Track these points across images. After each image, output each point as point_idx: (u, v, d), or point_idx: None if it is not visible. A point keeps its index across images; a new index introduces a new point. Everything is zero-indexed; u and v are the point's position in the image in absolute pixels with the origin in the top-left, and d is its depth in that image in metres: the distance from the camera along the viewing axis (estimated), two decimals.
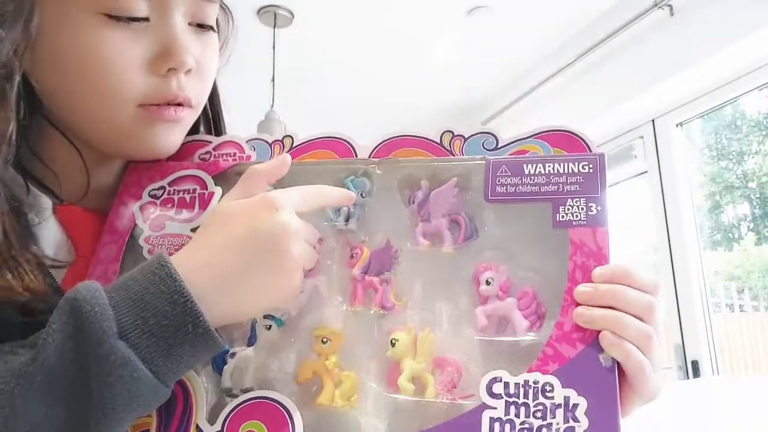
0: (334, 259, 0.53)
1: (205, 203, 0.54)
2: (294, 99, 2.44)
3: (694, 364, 2.17)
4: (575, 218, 0.47)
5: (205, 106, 0.63)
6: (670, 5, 2.13)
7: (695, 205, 2.30)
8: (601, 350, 0.43)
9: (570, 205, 0.48)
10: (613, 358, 0.43)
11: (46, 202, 0.53)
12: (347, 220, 0.53)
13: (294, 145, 0.58)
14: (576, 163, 0.50)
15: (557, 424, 0.41)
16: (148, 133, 0.54)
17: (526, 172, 0.50)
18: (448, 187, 0.52)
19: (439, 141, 0.55)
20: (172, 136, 0.56)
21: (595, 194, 0.48)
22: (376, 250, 0.52)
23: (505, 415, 0.42)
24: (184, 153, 0.59)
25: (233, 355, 0.49)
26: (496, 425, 0.42)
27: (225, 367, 0.48)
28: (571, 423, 0.41)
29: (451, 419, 0.43)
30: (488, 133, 0.54)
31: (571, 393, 0.42)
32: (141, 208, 0.55)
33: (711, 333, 2.19)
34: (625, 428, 0.42)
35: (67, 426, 0.39)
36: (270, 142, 0.59)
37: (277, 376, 0.49)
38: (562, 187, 0.49)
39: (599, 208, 0.47)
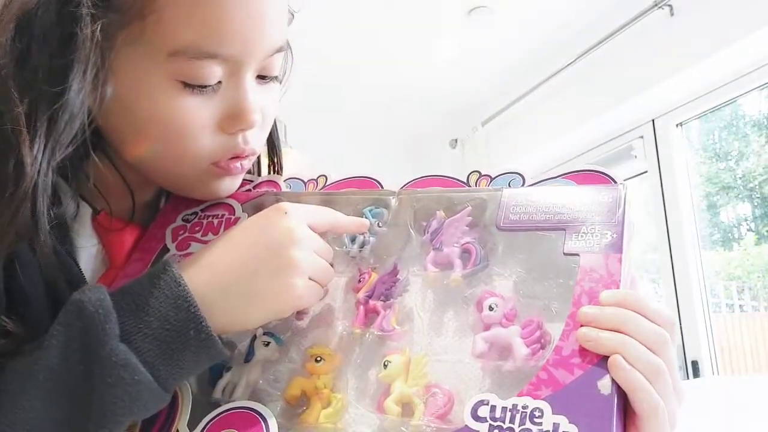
0: (342, 283, 0.54)
1: (230, 227, 0.55)
2: (294, 99, 2.44)
3: (694, 364, 2.17)
4: (588, 245, 0.46)
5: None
6: (670, 5, 2.13)
7: (695, 205, 2.30)
8: (601, 376, 0.39)
9: (584, 233, 0.46)
10: (613, 385, 0.39)
11: (86, 210, 0.55)
12: (361, 247, 0.54)
13: (327, 183, 0.60)
14: (595, 193, 0.49)
15: None
16: (215, 184, 0.56)
17: (542, 201, 0.50)
18: (462, 217, 0.52)
19: (465, 181, 0.55)
20: (234, 184, 0.58)
21: (611, 222, 0.46)
22: (383, 274, 0.52)
23: None
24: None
25: (229, 369, 0.49)
26: None
27: (219, 380, 0.49)
28: None
29: None
30: (515, 173, 0.54)
31: (562, 420, 0.38)
32: (172, 230, 0.58)
33: (711, 333, 2.19)
34: None
35: (66, 426, 0.40)
36: (305, 180, 0.62)
37: (267, 391, 0.49)
38: (578, 215, 0.48)
39: (615, 236, 0.45)
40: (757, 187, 2.42)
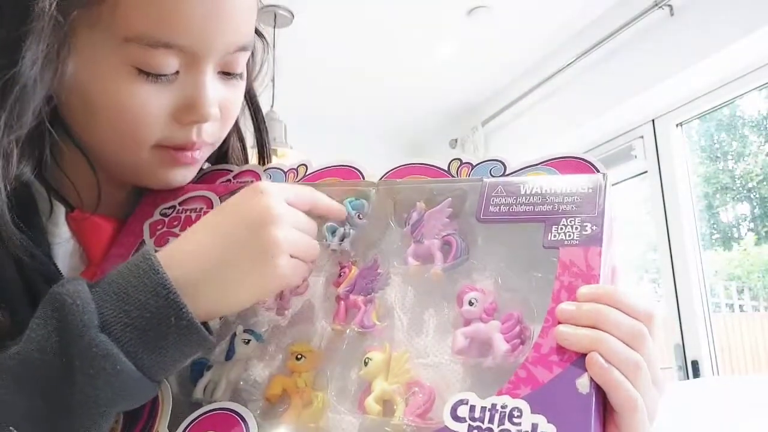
0: (322, 277, 0.52)
1: None
2: (294, 99, 2.44)
3: (694, 364, 2.17)
4: (567, 237, 0.45)
5: (259, 138, 0.67)
6: (670, 5, 2.13)
7: (695, 205, 2.31)
8: (580, 375, 0.39)
9: (563, 225, 0.45)
10: (591, 384, 0.39)
11: (60, 209, 0.55)
12: (342, 240, 0.53)
13: (307, 173, 0.59)
14: (575, 184, 0.47)
15: None
16: (164, 173, 0.56)
17: (522, 192, 0.48)
18: (442, 208, 0.51)
19: (446, 169, 0.54)
20: (187, 174, 0.58)
21: (591, 214, 0.45)
22: (363, 268, 0.51)
23: None
24: (206, 181, 0.62)
25: (210, 368, 0.49)
26: None
27: (200, 379, 0.48)
28: None
29: None
30: (496, 160, 0.53)
31: (540, 420, 0.38)
32: (150, 225, 0.57)
33: (711, 333, 2.19)
34: None
35: (49, 420, 0.39)
36: (285, 170, 0.60)
37: (248, 390, 0.48)
38: (558, 206, 0.46)
39: (595, 227, 0.44)
40: (755, 187, 2.42)
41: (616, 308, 0.41)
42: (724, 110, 2.36)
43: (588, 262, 0.43)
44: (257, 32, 0.62)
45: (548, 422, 0.38)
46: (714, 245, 2.50)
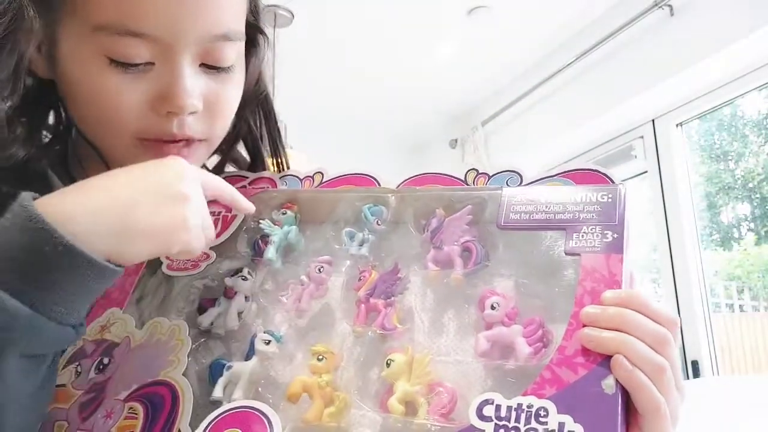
0: (342, 281, 0.53)
1: (227, 224, 0.57)
2: (294, 99, 2.44)
3: (694, 364, 2.17)
4: (589, 245, 0.46)
5: (272, 142, 0.67)
6: (670, 5, 2.13)
7: (695, 205, 2.31)
8: (605, 376, 0.40)
9: (585, 232, 0.46)
10: (617, 385, 0.39)
11: None
12: (361, 245, 0.54)
13: (323, 180, 0.60)
14: (595, 193, 0.49)
15: None
16: None
17: (542, 200, 0.50)
18: (462, 215, 0.52)
19: (463, 178, 0.55)
20: None
21: (612, 222, 0.46)
22: (384, 273, 0.51)
23: None
24: None
25: (230, 368, 0.49)
26: None
27: (220, 379, 0.48)
28: None
29: None
30: (513, 171, 0.54)
31: (567, 419, 0.38)
32: None
33: (711, 333, 2.19)
34: None
35: None
36: (301, 177, 0.61)
37: (269, 390, 0.48)
38: (578, 215, 0.48)
39: (616, 235, 0.45)
40: (756, 187, 2.42)
41: (641, 312, 0.41)
42: (725, 110, 2.36)
43: (610, 269, 0.44)
44: (257, 28, 0.61)
45: (575, 422, 0.38)
46: (714, 245, 2.50)
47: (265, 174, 0.64)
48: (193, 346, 0.50)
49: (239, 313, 0.53)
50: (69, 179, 0.56)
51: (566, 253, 0.46)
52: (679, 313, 2.24)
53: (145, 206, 0.42)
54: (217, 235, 0.56)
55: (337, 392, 0.46)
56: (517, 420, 0.39)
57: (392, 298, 0.50)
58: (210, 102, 0.55)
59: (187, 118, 0.53)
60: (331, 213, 0.57)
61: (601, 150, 2.60)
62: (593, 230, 0.46)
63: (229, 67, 0.55)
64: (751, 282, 2.48)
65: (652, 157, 2.39)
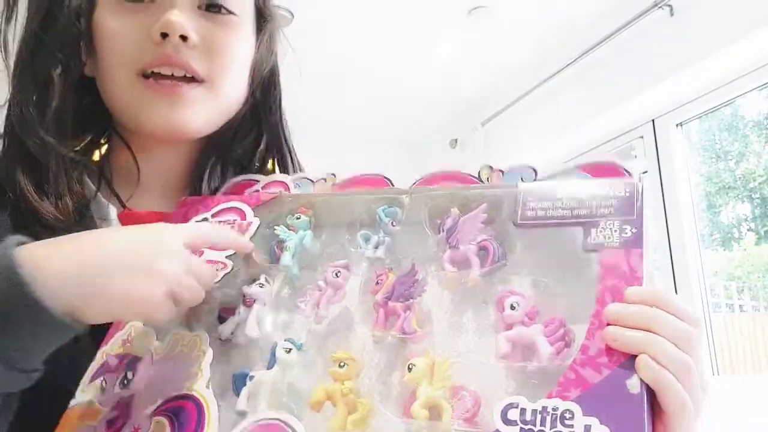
0: (359, 285, 0.53)
1: (242, 232, 0.56)
2: (294, 99, 2.44)
3: None
4: (607, 240, 0.45)
5: (280, 143, 0.69)
6: (670, 5, 2.13)
7: (695, 205, 2.30)
8: (629, 375, 0.39)
9: (603, 228, 0.46)
10: (642, 384, 0.39)
11: (111, 210, 0.60)
12: (376, 247, 0.53)
13: (336, 183, 0.59)
14: (611, 187, 0.47)
15: None
16: (155, 108, 0.58)
17: (558, 196, 0.49)
18: (477, 214, 0.51)
19: (477, 176, 0.55)
20: (180, 112, 0.59)
21: (630, 216, 0.45)
22: (401, 275, 0.51)
23: None
24: (234, 193, 0.63)
25: (252, 378, 0.48)
26: None
27: (243, 389, 0.48)
28: None
29: None
30: (527, 166, 0.53)
31: (593, 421, 0.38)
32: None
33: (711, 333, 2.19)
34: None
35: None
36: (314, 180, 0.61)
37: (292, 399, 0.48)
38: (596, 210, 0.47)
39: (634, 230, 0.45)
40: (757, 187, 2.42)
41: (665, 310, 0.41)
42: (725, 110, 2.36)
43: (630, 265, 0.43)
44: (264, 11, 0.66)
45: (601, 424, 0.38)
46: (714, 245, 2.50)
47: (277, 177, 0.63)
48: (215, 356, 0.50)
49: (258, 322, 0.52)
50: (104, 178, 0.61)
51: (585, 250, 0.45)
52: None
53: (118, 278, 0.43)
54: None
55: (360, 399, 0.45)
56: (543, 423, 0.39)
57: (410, 301, 0.49)
58: (208, 41, 0.58)
59: (183, 47, 0.57)
60: (346, 216, 0.57)
61: (601, 150, 2.59)
62: (611, 225, 0.45)
63: (230, 12, 0.59)
64: (751, 282, 2.48)
65: (652, 157, 2.39)
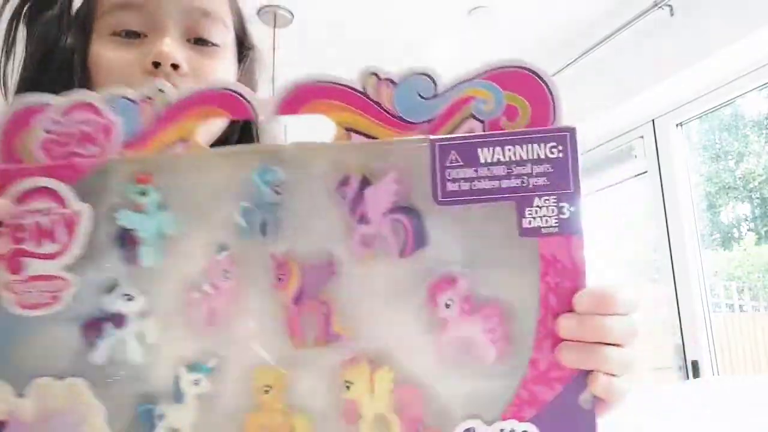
0: (256, 284, 0.41)
1: (72, 226, 0.41)
2: None
3: (694, 364, 2.17)
4: (545, 224, 0.39)
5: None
6: (670, 5, 2.13)
7: (695, 205, 2.31)
8: (582, 390, 0.38)
9: (538, 206, 0.39)
10: (593, 399, 0.38)
11: None
12: (263, 230, 0.42)
13: (169, 102, 0.43)
14: (542, 145, 0.40)
15: None
16: None
17: (482, 159, 0.40)
18: (386, 184, 0.41)
19: (362, 89, 0.43)
20: None
21: (567, 189, 0.39)
22: (311, 267, 0.41)
23: None
24: (18, 122, 0.43)
25: (161, 417, 0.40)
26: None
27: (154, 431, 0.40)
28: None
29: None
30: (423, 74, 0.43)
31: None
32: None
33: (711, 333, 2.19)
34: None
35: None
36: (136, 99, 0.44)
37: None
38: (527, 180, 0.40)
39: (572, 208, 0.39)
40: (757, 187, 2.42)
41: (614, 312, 0.39)
42: (725, 110, 2.36)
43: (572, 256, 0.39)
44: (244, 41, 0.71)
45: None
46: (714, 245, 2.50)
47: (81, 99, 0.44)
48: (102, 396, 0.40)
49: (140, 342, 0.42)
50: None
51: (521, 235, 0.39)
52: (679, 313, 2.24)
53: None
54: (66, 246, 0.41)
55: (297, 415, 0.41)
56: None
57: (326, 297, 0.41)
58: (196, 70, 0.61)
59: (174, 75, 0.59)
60: (208, 183, 0.43)
61: (601, 150, 2.60)
62: (547, 202, 0.39)
63: (216, 45, 0.63)
64: (751, 282, 2.48)
65: (652, 157, 2.39)
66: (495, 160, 0.40)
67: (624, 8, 2.25)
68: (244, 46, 0.71)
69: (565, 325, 0.39)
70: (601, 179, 2.63)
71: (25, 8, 0.63)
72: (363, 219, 0.41)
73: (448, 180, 0.40)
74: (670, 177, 2.32)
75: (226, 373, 0.41)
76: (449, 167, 0.41)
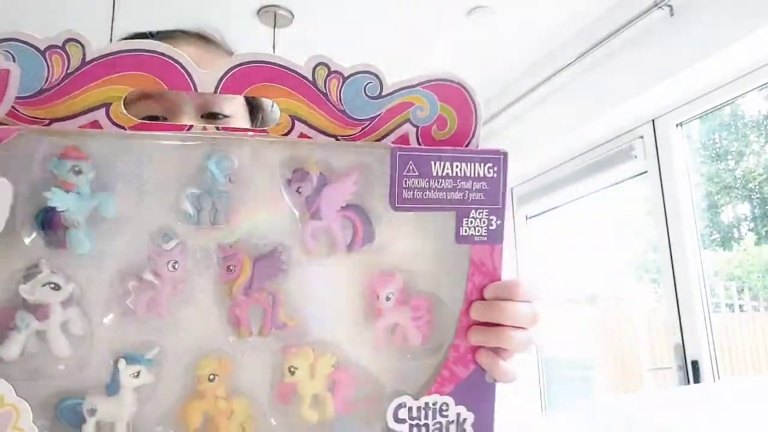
0: (202, 273, 0.42)
1: None
2: None
3: (694, 364, 2.17)
4: (477, 233, 0.46)
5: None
6: (670, 5, 2.13)
7: (695, 205, 2.30)
8: None
9: (473, 217, 0.46)
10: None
11: None
12: (213, 219, 0.41)
13: (87, 60, 0.37)
14: (481, 164, 0.45)
15: None
16: None
17: (434, 173, 0.45)
18: (346, 184, 0.44)
19: (311, 77, 0.43)
20: None
21: (496, 205, 0.46)
22: (260, 259, 0.42)
23: None
24: None
25: (93, 411, 0.38)
26: None
27: (83, 426, 0.38)
28: None
29: None
30: (371, 73, 0.45)
31: (462, 409, 0.46)
32: None
33: (711, 333, 2.19)
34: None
35: None
36: (42, 49, 0.37)
37: (158, 427, 0.41)
38: (468, 194, 0.45)
39: (499, 222, 0.46)
40: (757, 187, 2.42)
41: (514, 299, 0.46)
42: (725, 110, 2.36)
43: (493, 261, 0.46)
44: (253, 103, 0.77)
45: (468, 411, 0.46)
46: (714, 245, 2.50)
47: None
48: (26, 395, 0.37)
49: (66, 330, 0.39)
50: None
51: (457, 242, 0.46)
52: (679, 313, 2.24)
53: None
54: None
55: (235, 399, 0.42)
56: (426, 417, 0.45)
57: (275, 288, 0.43)
58: None
59: None
60: (156, 168, 0.41)
61: (601, 150, 2.60)
62: (480, 215, 0.46)
63: (227, 117, 0.69)
64: (751, 282, 2.48)
65: (652, 157, 2.39)
66: (444, 173, 0.45)
67: (624, 8, 2.25)
68: (254, 107, 0.77)
69: (475, 308, 0.47)
70: (601, 179, 2.63)
71: None
72: (316, 215, 0.44)
73: (404, 188, 0.45)
74: (670, 177, 2.32)
75: (167, 363, 0.41)
76: (406, 176, 0.45)
